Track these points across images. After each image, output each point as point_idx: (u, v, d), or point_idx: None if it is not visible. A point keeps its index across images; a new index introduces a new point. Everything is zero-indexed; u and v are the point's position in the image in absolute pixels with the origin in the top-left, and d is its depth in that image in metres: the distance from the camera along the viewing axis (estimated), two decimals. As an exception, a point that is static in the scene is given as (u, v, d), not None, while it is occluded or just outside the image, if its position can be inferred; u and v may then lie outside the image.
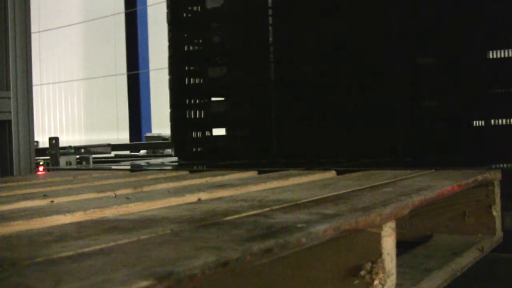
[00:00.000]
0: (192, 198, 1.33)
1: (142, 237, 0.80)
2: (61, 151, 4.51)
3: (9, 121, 3.73)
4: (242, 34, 3.69)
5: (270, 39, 3.49)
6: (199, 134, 3.77)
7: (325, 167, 2.28)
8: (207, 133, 3.79)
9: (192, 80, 3.79)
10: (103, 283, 0.55)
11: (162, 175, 2.18)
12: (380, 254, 0.95)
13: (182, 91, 3.80)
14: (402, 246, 1.44)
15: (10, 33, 3.76)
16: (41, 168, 3.92)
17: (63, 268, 0.62)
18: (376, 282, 0.94)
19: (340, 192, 1.30)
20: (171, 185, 1.73)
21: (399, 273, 1.02)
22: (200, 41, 3.83)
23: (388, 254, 0.97)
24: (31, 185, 1.89)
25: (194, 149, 3.79)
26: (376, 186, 1.42)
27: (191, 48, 3.84)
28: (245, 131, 3.71)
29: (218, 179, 1.91)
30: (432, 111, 3.02)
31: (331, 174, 1.95)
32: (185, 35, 3.84)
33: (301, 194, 1.28)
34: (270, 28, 3.48)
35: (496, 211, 1.63)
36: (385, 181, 1.52)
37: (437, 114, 2.97)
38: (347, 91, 3.20)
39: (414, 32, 2.99)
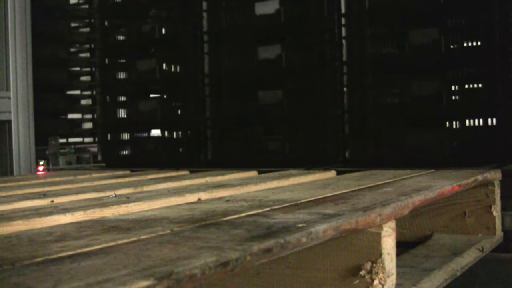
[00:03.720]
0: (192, 198, 1.33)
1: (142, 237, 0.80)
2: (61, 151, 4.51)
3: (9, 121, 3.74)
4: (174, 22, 3.25)
5: (205, 27, 3.06)
6: (128, 135, 3.35)
7: (325, 167, 2.28)
8: (140, 134, 3.37)
9: (120, 75, 3.38)
10: (103, 283, 0.55)
11: (162, 175, 2.19)
12: (380, 254, 0.95)
13: (109, 87, 3.41)
14: (402, 246, 1.45)
15: (10, 33, 3.76)
16: (41, 168, 3.92)
17: (63, 268, 0.62)
18: (376, 282, 0.94)
19: (340, 192, 1.30)
20: (171, 185, 1.73)
21: (399, 273, 1.02)
22: (129, 30, 3.39)
23: (388, 254, 0.97)
24: (31, 185, 1.89)
25: (122, 153, 3.36)
26: (376, 186, 1.42)
27: (119, 37, 3.42)
28: (178, 132, 3.25)
29: (218, 179, 1.91)
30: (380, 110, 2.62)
31: (331, 174, 1.95)
32: (113, 22, 3.43)
33: (301, 194, 1.28)
34: (205, 14, 3.05)
35: (496, 211, 1.63)
36: (385, 181, 1.52)
37: (384, 113, 2.60)
38: (285, 88, 2.81)
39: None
